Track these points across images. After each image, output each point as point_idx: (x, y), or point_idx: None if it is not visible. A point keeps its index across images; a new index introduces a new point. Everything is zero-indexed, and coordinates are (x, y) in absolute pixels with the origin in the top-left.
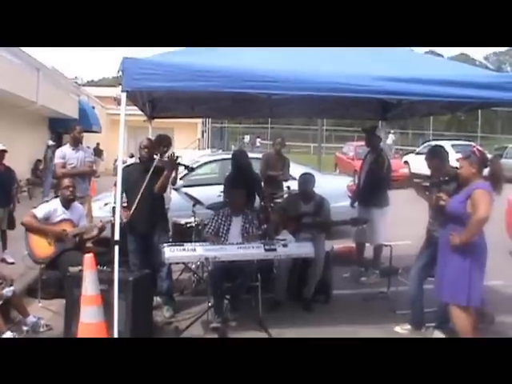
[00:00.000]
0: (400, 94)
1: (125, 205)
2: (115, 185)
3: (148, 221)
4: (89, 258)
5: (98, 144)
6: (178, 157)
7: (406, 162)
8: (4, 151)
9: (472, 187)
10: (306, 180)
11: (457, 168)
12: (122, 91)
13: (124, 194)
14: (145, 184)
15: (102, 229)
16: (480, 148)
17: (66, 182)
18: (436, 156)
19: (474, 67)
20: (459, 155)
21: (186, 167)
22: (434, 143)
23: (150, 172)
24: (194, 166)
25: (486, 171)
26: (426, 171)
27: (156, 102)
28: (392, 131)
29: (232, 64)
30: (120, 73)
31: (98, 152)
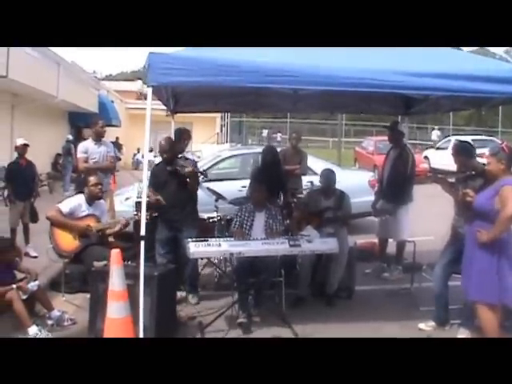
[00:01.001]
0: (426, 90)
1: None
2: (140, 181)
3: (179, 214)
4: (116, 253)
5: (117, 138)
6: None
7: (425, 157)
8: (26, 145)
9: (500, 183)
10: (328, 176)
11: (484, 164)
12: (148, 86)
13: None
14: (172, 183)
15: (125, 225)
16: (508, 144)
17: (94, 179)
18: (463, 152)
19: (497, 61)
20: (481, 150)
21: (202, 173)
22: (453, 138)
23: (175, 175)
24: (216, 160)
25: None
26: (447, 166)
27: (179, 97)
28: (437, 127)
29: (257, 59)
30: (146, 67)
31: (117, 146)
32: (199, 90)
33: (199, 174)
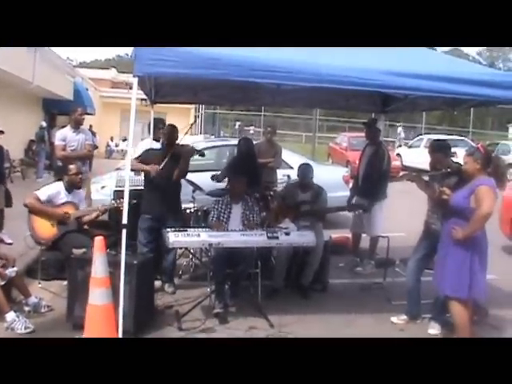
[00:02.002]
0: (406, 89)
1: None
2: (117, 169)
3: (162, 204)
4: (99, 240)
5: (90, 126)
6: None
7: (398, 155)
8: (1, 132)
9: (476, 183)
10: (306, 170)
11: (458, 163)
12: (134, 76)
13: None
14: (164, 168)
15: (103, 212)
16: (484, 144)
17: (75, 168)
18: (440, 149)
19: (474, 64)
20: (452, 150)
21: (198, 152)
22: (426, 137)
23: (172, 158)
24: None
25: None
26: (419, 164)
27: (159, 88)
28: (398, 124)
29: (243, 53)
30: (132, 57)
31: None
32: (180, 81)
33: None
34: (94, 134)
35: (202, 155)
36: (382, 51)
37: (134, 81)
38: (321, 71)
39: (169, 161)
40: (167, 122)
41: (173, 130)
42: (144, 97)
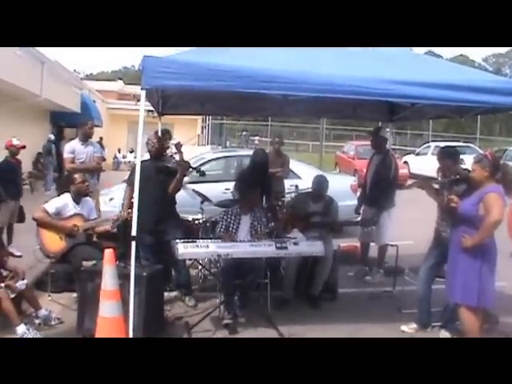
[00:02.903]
0: (412, 98)
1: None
2: (125, 181)
3: (158, 218)
4: (109, 253)
5: (101, 139)
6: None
7: (405, 163)
8: (23, 147)
9: (484, 191)
10: (321, 182)
11: (467, 169)
12: (142, 89)
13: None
14: (154, 181)
15: (115, 221)
16: (492, 152)
17: (80, 177)
18: (449, 157)
19: (480, 71)
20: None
21: (198, 171)
22: (433, 144)
23: (160, 170)
24: (200, 162)
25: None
26: (426, 172)
27: (166, 99)
28: (391, 130)
29: (249, 64)
30: (140, 70)
31: (101, 147)
32: (187, 92)
33: (192, 170)
34: (103, 147)
35: (203, 175)
36: (387, 59)
37: (142, 93)
38: (325, 81)
39: (159, 175)
40: (175, 133)
41: (160, 141)
42: (151, 108)
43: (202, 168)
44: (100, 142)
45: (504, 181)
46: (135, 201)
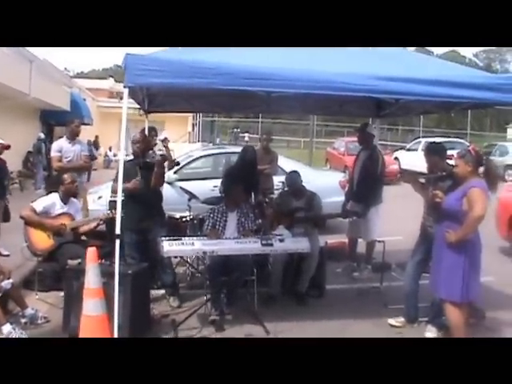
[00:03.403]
0: (397, 94)
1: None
2: (113, 180)
3: (144, 215)
4: (92, 251)
5: (96, 137)
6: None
7: (396, 158)
8: (9, 147)
9: (468, 186)
10: (292, 178)
11: (453, 165)
12: (125, 87)
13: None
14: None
15: (103, 220)
16: (475, 147)
17: (69, 177)
18: (435, 152)
19: (466, 67)
20: (450, 152)
21: (174, 163)
22: (423, 140)
23: (144, 167)
24: (188, 159)
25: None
26: (416, 167)
27: (152, 97)
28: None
29: (232, 62)
30: (122, 68)
31: (96, 145)
32: (173, 90)
33: (171, 163)
34: (97, 146)
35: (177, 164)
36: (373, 56)
37: (125, 91)
38: (309, 77)
39: (142, 172)
40: (165, 131)
41: (144, 140)
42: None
43: (191, 165)
44: (95, 141)
45: (487, 176)
46: (118, 199)
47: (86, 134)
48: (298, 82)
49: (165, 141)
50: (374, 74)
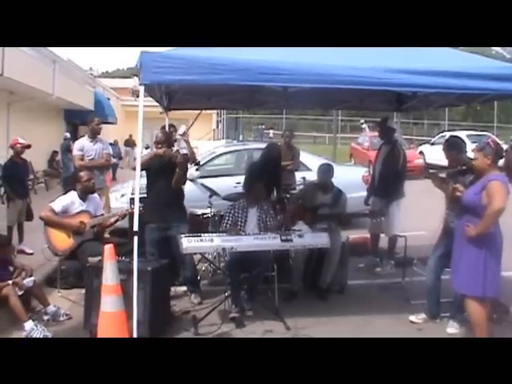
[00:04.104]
0: (414, 87)
1: (143, 196)
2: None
3: (166, 212)
4: (109, 248)
5: (130, 136)
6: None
7: (421, 153)
8: (28, 147)
9: (487, 179)
10: (326, 170)
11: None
12: (140, 84)
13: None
14: (161, 177)
15: (122, 216)
16: (495, 139)
17: (85, 175)
18: (454, 147)
19: (487, 59)
20: (475, 145)
21: (195, 163)
22: (448, 134)
23: (166, 166)
24: (211, 156)
25: (500, 162)
26: (442, 162)
27: (172, 94)
28: (363, 120)
29: (248, 57)
30: (138, 66)
31: (131, 143)
32: (192, 87)
33: (192, 163)
34: (133, 142)
35: (198, 164)
36: (388, 49)
37: (141, 89)
38: (325, 72)
39: (166, 169)
40: (183, 125)
41: (167, 138)
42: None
43: (214, 162)
44: (129, 140)
45: (508, 168)
46: (136, 196)
47: (112, 132)
48: (314, 77)
49: (184, 135)
50: (391, 67)
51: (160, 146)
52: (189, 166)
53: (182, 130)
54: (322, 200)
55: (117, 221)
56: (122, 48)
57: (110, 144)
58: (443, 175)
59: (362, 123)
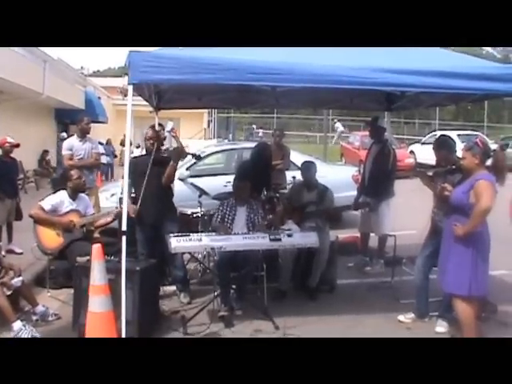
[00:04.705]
0: (401, 86)
1: (133, 195)
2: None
3: (156, 211)
4: (97, 248)
5: (124, 136)
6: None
7: (411, 152)
8: (16, 146)
9: (475, 178)
10: (308, 167)
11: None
12: (129, 84)
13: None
14: (151, 175)
15: (117, 215)
16: (483, 138)
17: (76, 173)
18: (444, 146)
19: (477, 59)
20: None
21: (194, 156)
22: (439, 133)
23: (156, 163)
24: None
25: (488, 162)
26: (432, 161)
27: (162, 94)
28: (336, 120)
29: (237, 57)
30: (126, 66)
31: (123, 144)
32: (181, 86)
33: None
34: (112, 147)
35: (199, 158)
36: (377, 49)
37: (129, 88)
38: (313, 71)
39: (155, 167)
40: (181, 127)
41: (157, 134)
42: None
43: (204, 161)
44: (124, 140)
45: (496, 168)
46: (124, 195)
47: (102, 132)
48: (303, 76)
49: (172, 131)
50: (378, 67)
51: (151, 141)
52: (190, 159)
53: (169, 126)
54: (308, 198)
55: (113, 220)
56: (115, 48)
57: (101, 143)
58: (431, 173)
59: (335, 122)
